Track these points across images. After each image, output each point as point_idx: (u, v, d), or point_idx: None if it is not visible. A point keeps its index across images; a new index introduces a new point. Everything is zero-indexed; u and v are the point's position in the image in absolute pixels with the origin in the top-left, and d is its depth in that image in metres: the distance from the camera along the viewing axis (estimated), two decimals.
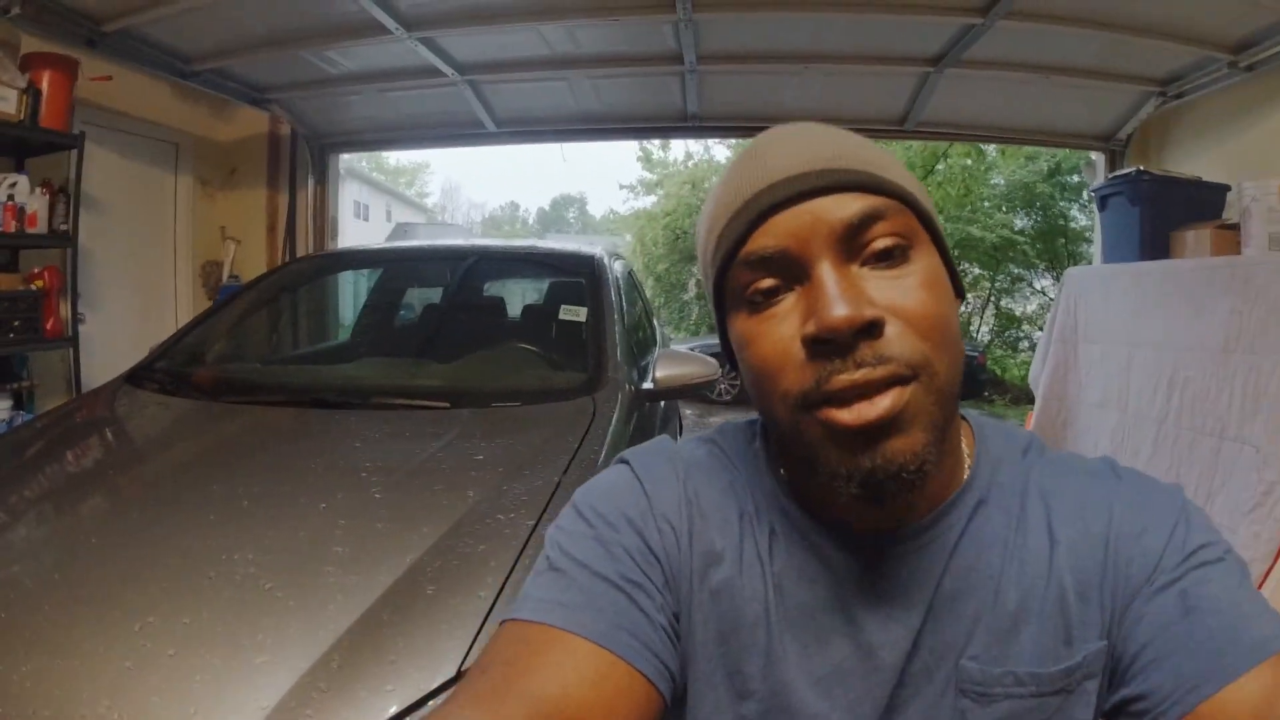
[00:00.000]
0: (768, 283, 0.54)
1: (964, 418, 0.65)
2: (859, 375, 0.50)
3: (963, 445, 0.63)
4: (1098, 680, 0.55)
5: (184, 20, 3.71)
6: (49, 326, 3.69)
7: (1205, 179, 3.50)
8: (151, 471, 1.68)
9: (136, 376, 2.25)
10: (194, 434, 1.89)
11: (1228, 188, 3.38)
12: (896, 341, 0.51)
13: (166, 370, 2.28)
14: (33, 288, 3.62)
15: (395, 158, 34.30)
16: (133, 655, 1.09)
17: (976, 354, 10.75)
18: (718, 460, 0.66)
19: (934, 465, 0.52)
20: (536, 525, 1.37)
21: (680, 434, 3.59)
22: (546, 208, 45.41)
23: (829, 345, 0.50)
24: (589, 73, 4.45)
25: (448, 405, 1.97)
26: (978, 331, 13.66)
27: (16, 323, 3.48)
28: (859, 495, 0.52)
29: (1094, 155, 5.28)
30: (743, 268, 0.55)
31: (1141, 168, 3.51)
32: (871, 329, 0.50)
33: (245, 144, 5.40)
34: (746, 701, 0.58)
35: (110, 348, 4.15)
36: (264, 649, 1.09)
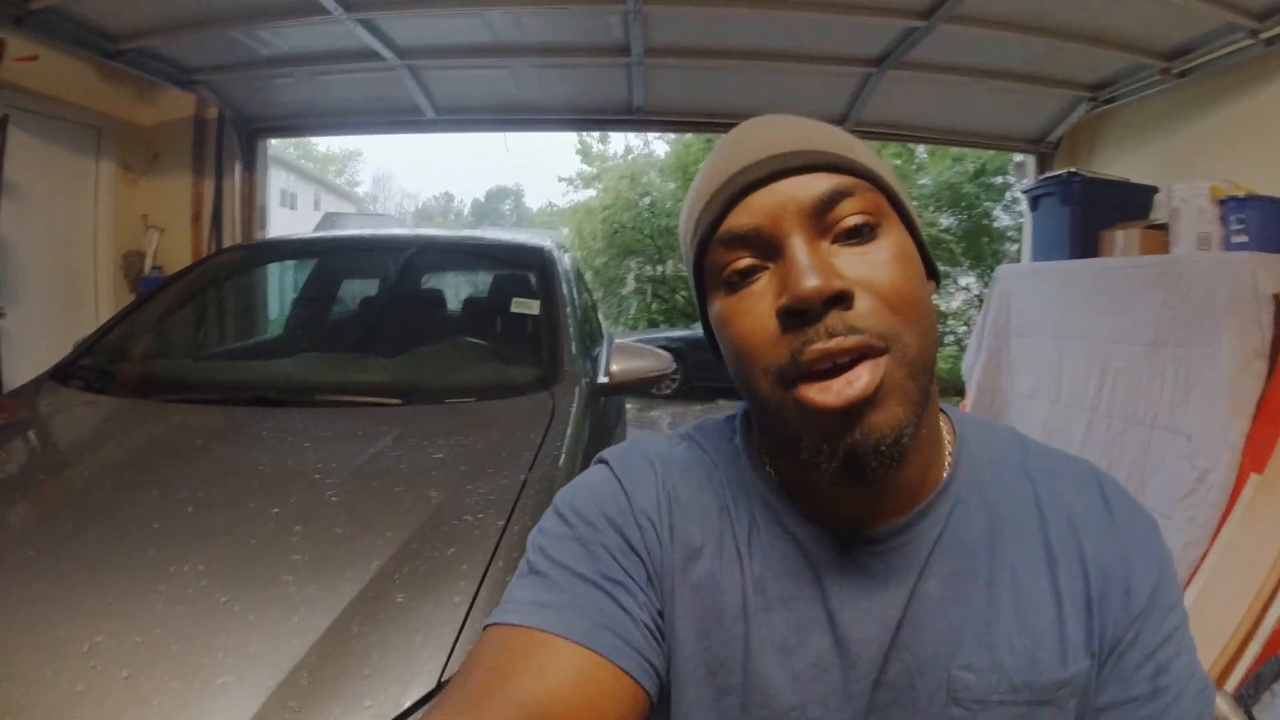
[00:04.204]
0: (744, 262, 0.56)
1: (945, 412, 0.67)
2: (831, 344, 0.51)
3: (944, 438, 0.64)
4: (1078, 700, 0.57)
5: None
6: None
7: (1133, 180, 3.65)
8: (85, 476, 1.55)
9: (62, 374, 2.11)
10: (128, 435, 1.76)
11: (1155, 189, 3.52)
12: (867, 314, 0.52)
13: (94, 367, 2.14)
14: None
15: (325, 145, 33.23)
16: (83, 678, 1.00)
17: None
18: (696, 456, 0.66)
19: (910, 439, 0.54)
20: (506, 525, 1.32)
21: (624, 429, 3.56)
22: (482, 199, 44.73)
23: (801, 317, 0.52)
24: (533, 61, 4.39)
25: (399, 402, 1.90)
26: None
27: None
28: (841, 471, 0.53)
29: (1021, 157, 5.45)
30: (720, 247, 0.57)
31: (1073, 170, 3.63)
32: (841, 299, 0.52)
33: (169, 128, 5.15)
34: (727, 696, 0.58)
35: (32, 343, 3.95)
36: (226, 668, 1.02)
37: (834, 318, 0.51)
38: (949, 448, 0.64)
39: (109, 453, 1.67)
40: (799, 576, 0.59)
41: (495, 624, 0.55)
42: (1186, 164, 3.68)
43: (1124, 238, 3.28)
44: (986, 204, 13.30)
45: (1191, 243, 2.92)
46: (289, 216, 17.32)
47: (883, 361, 0.52)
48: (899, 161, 13.19)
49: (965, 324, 12.48)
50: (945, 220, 13.50)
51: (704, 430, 0.69)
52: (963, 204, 13.24)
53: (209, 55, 4.38)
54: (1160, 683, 0.57)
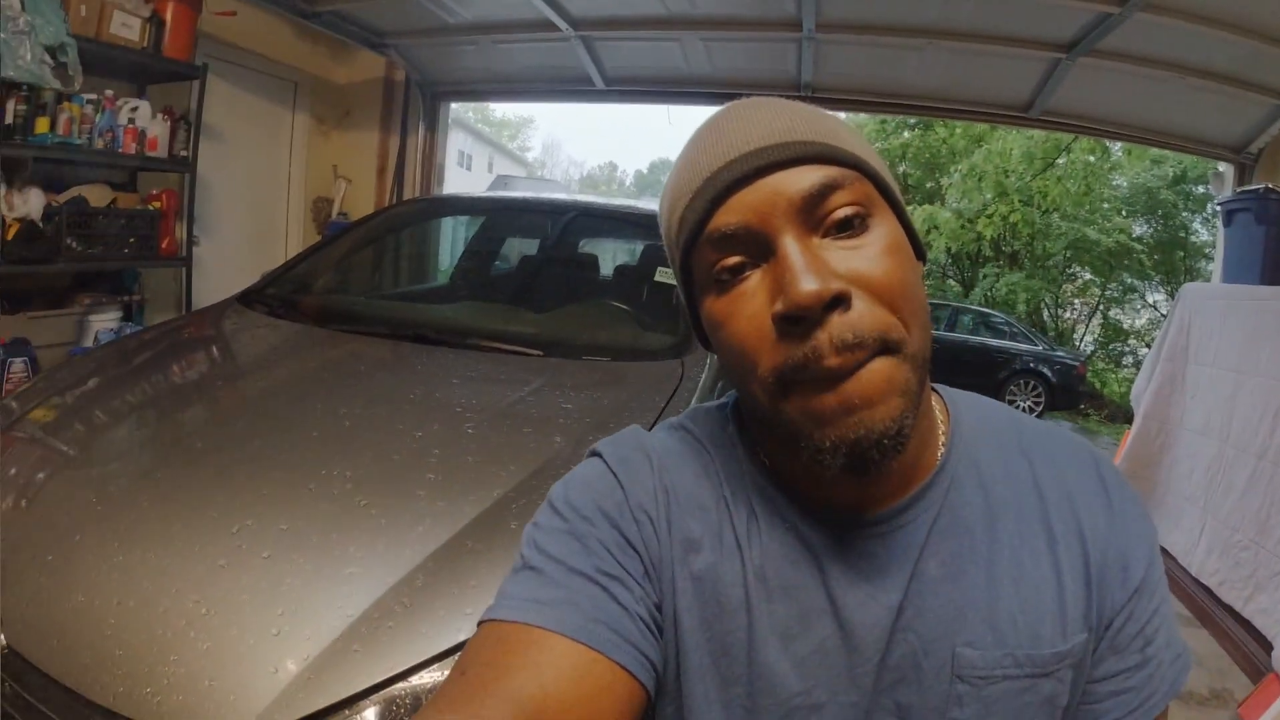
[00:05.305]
0: (733, 260, 0.54)
1: (936, 390, 0.66)
2: (836, 362, 0.50)
3: (937, 418, 0.64)
4: (1074, 671, 0.58)
5: None
6: (164, 246, 3.91)
7: None
8: (258, 385, 1.76)
9: (248, 298, 2.36)
10: (300, 355, 1.96)
11: None
12: (867, 315, 0.51)
13: (277, 295, 2.38)
14: (150, 208, 3.82)
15: (500, 111, 34.64)
16: (227, 555, 1.14)
17: (1077, 363, 10.19)
18: (691, 446, 0.66)
19: (911, 428, 0.53)
20: None
21: None
22: (644, 170, 45.15)
23: (800, 323, 0.51)
24: (702, 34, 4.40)
25: (540, 353, 2.00)
26: (1081, 340, 13.05)
27: (133, 239, 3.70)
28: (844, 466, 0.52)
29: (1222, 166, 4.97)
30: (707, 246, 0.55)
31: (1270, 185, 3.29)
32: (839, 302, 0.50)
33: (361, 87, 5.56)
34: (733, 686, 0.59)
35: (221, 271, 4.37)
36: (354, 561, 1.14)
37: (836, 324, 0.50)
38: (943, 428, 0.64)
39: (282, 369, 1.87)
40: (799, 564, 0.59)
41: (490, 620, 0.55)
42: None
43: None
44: (1185, 214, 12.18)
45: None
46: (464, 176, 18.20)
47: (884, 359, 0.51)
48: (1092, 158, 12.24)
49: (1148, 344, 11.52)
50: (1137, 228, 12.47)
51: (697, 420, 0.68)
52: (1158, 211, 12.18)
53: (398, 20, 4.67)
54: (1148, 653, 0.60)
